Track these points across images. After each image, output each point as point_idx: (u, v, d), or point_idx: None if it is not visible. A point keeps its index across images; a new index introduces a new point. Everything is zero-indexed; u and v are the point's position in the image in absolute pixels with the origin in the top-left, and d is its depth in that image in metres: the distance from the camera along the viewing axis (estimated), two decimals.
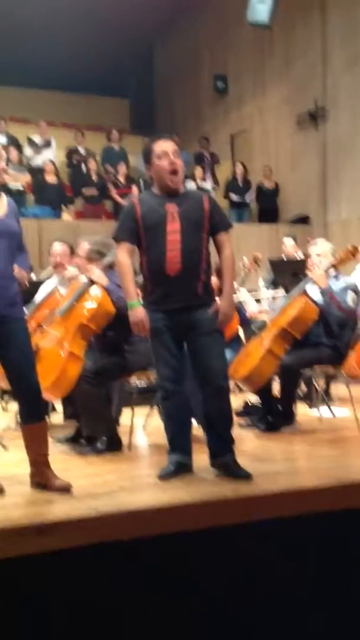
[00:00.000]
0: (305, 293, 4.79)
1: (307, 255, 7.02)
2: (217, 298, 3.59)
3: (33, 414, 3.23)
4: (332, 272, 4.85)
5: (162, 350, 3.47)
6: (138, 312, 3.44)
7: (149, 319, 3.45)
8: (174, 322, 3.45)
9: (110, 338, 4.27)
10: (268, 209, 12.16)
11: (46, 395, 3.63)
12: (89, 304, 4.21)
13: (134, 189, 11.13)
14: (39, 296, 5.21)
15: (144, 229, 3.45)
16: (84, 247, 4.49)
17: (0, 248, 3.14)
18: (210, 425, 3.53)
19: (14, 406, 5.29)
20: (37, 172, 10.94)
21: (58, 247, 5.30)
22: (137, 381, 4.84)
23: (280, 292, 6.40)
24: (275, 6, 9.27)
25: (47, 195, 10.76)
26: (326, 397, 5.65)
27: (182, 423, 3.57)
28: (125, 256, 3.50)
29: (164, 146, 3.46)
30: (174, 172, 3.44)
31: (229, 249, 3.55)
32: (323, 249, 4.95)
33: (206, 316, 3.45)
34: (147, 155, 3.52)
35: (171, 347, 3.47)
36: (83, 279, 4.37)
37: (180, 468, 3.46)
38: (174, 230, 3.39)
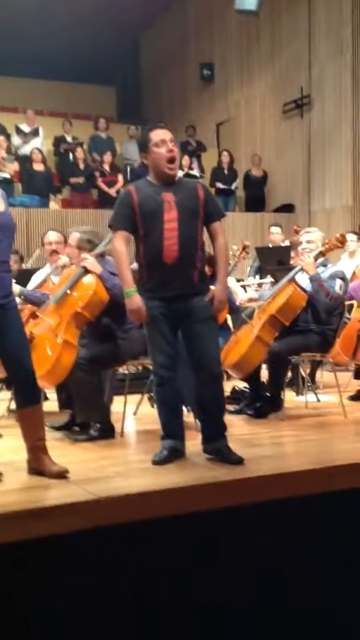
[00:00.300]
0: (293, 280, 4.89)
1: (293, 243, 7.12)
2: (211, 286, 3.67)
3: (29, 398, 3.30)
4: (320, 259, 4.94)
5: (158, 338, 3.54)
6: (135, 299, 3.50)
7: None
8: (170, 310, 3.51)
9: (103, 325, 4.34)
10: (255, 197, 12.24)
11: (41, 383, 3.68)
12: (83, 292, 4.26)
13: (120, 177, 11.17)
14: (30, 285, 5.26)
15: (140, 217, 3.49)
16: (74, 236, 4.55)
17: (2, 242, 3.21)
18: (204, 411, 3.62)
19: (5, 394, 5.36)
20: (24, 161, 10.94)
21: (53, 236, 5.32)
22: (128, 369, 4.91)
23: (266, 279, 6.50)
24: None
25: (35, 184, 10.76)
26: (312, 384, 5.76)
27: (175, 409, 3.65)
28: (121, 244, 3.54)
29: (162, 135, 3.53)
30: (172, 159, 3.51)
31: (223, 237, 3.62)
32: (315, 236, 5.04)
33: (202, 304, 3.52)
34: (145, 144, 3.59)
35: (167, 334, 3.53)
36: (76, 267, 4.43)
37: (174, 453, 3.54)
38: (171, 218, 3.45)
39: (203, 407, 3.62)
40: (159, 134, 3.53)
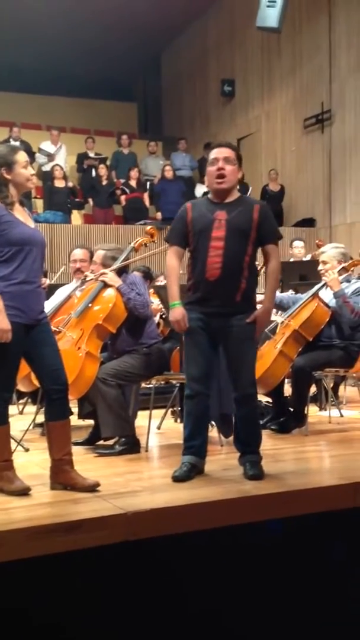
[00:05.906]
0: (317, 296, 4.90)
1: (315, 258, 7.11)
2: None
3: (60, 411, 3.36)
4: (344, 275, 4.94)
5: (194, 350, 3.60)
6: (177, 310, 3.58)
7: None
8: (210, 325, 3.57)
9: (124, 340, 4.40)
10: (273, 211, 12.20)
11: None
12: (104, 305, 4.35)
13: (146, 195, 11.27)
14: (54, 299, 5.32)
15: (192, 233, 3.59)
16: (99, 254, 4.66)
17: (36, 257, 3.28)
18: (236, 427, 3.71)
19: (31, 409, 5.42)
20: (46, 178, 11.06)
21: (78, 253, 5.38)
22: (152, 383, 4.95)
23: (287, 294, 6.49)
24: (284, 10, 9.29)
25: (57, 200, 10.87)
26: (335, 399, 5.75)
27: (201, 424, 3.66)
28: (173, 259, 3.66)
29: (216, 153, 3.62)
30: (220, 176, 3.57)
31: (275, 260, 3.62)
32: (328, 255, 5.04)
33: (241, 323, 3.52)
34: (204, 165, 3.70)
35: (203, 348, 3.59)
36: (96, 282, 4.52)
37: (193, 469, 3.56)
38: (218, 237, 3.51)
39: (236, 423, 3.70)
40: (213, 153, 3.63)
